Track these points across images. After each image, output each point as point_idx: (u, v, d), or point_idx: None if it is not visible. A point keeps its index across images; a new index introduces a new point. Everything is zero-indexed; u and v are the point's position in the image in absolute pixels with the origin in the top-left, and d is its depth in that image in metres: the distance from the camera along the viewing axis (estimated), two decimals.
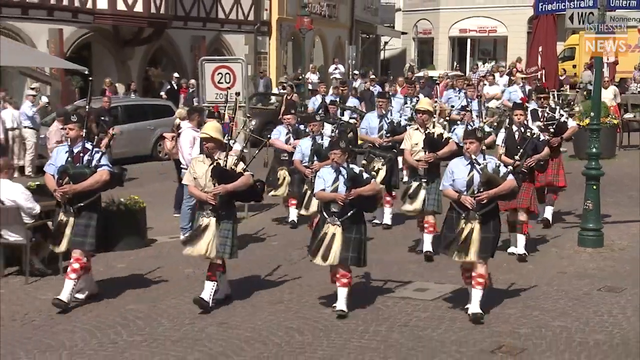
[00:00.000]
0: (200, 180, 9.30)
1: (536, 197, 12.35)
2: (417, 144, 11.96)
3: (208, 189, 9.20)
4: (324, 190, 9.14)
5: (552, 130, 13.82)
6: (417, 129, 12.17)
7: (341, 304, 9.01)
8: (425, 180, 11.83)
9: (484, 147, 9.03)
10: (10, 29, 25.82)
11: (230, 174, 9.21)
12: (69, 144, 9.66)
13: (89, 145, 9.59)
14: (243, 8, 35.18)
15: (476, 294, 8.87)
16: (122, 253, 12.26)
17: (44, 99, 23.36)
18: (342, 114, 17.01)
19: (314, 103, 22.57)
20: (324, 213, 9.24)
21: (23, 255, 11.17)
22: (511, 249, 12.03)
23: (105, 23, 29.71)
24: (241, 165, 9.39)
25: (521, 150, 11.53)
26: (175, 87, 28.31)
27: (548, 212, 14.14)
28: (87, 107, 10.59)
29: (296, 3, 37.27)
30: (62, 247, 9.62)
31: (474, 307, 8.85)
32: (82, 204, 9.39)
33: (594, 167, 12.72)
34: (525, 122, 12.27)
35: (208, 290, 9.25)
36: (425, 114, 12.09)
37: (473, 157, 8.90)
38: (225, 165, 9.24)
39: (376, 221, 13.89)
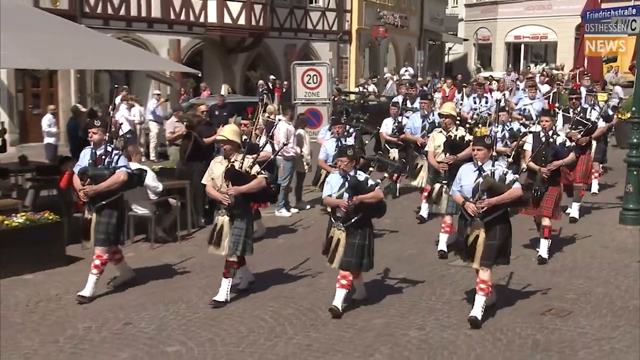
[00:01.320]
0: (217, 181, 8.68)
1: (559, 202, 10.69)
2: (439, 146, 11.01)
3: (223, 190, 8.58)
4: (330, 196, 8.31)
5: (580, 129, 12.73)
6: (441, 131, 11.22)
7: (337, 302, 8.19)
8: (446, 182, 10.67)
9: (494, 154, 8.02)
10: (139, 40, 26.51)
11: (244, 176, 8.54)
12: (93, 146, 9.00)
13: (110, 148, 9.02)
14: (328, 20, 35.35)
15: (478, 300, 7.92)
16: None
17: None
18: (402, 115, 15.54)
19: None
20: (332, 217, 8.47)
21: (149, 226, 11.67)
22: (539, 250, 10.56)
23: (214, 34, 30.12)
24: (256, 168, 8.63)
25: (542, 157, 10.31)
26: (271, 87, 28.56)
27: (574, 209, 13.03)
28: (110, 112, 10.43)
29: (373, 15, 37.21)
30: (91, 243, 9.01)
31: (474, 311, 7.89)
32: (103, 203, 8.84)
33: (635, 155, 12.67)
34: (553, 127, 10.70)
35: (224, 289, 8.63)
36: (448, 117, 11.13)
37: (479, 163, 7.98)
38: (242, 167, 8.56)
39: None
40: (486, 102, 18.33)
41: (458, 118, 12.09)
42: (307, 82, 18.37)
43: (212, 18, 29.62)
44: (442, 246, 10.74)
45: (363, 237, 8.25)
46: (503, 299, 8.74)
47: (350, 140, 11.81)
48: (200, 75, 23.04)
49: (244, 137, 10.88)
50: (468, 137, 10.98)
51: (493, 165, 7.96)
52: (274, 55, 32.98)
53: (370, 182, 8.26)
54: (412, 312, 8.37)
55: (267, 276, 9.92)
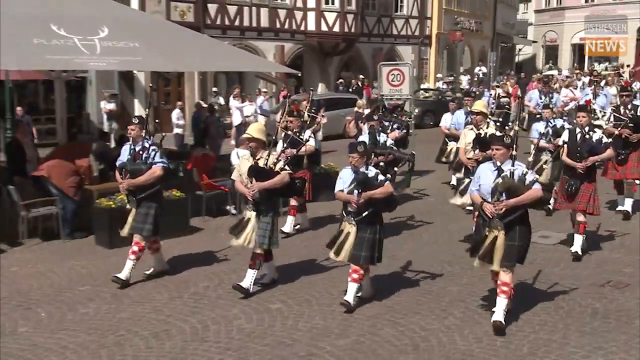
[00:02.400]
0: (244, 177, 8.13)
1: (597, 197, 9.29)
2: (470, 143, 9.99)
3: (249, 186, 7.98)
4: (342, 191, 7.50)
5: (631, 125, 11.22)
6: (472, 128, 10.14)
7: (349, 296, 7.45)
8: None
9: (514, 153, 6.90)
10: (250, 46, 27.10)
11: (266, 172, 7.88)
12: (132, 142, 8.61)
13: (147, 144, 8.54)
14: (411, 26, 35.19)
15: (500, 302, 6.92)
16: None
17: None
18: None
19: None
20: (344, 211, 7.67)
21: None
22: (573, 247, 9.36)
23: (312, 40, 30.50)
24: (280, 164, 8.00)
25: (577, 152, 9.20)
26: (360, 85, 28.68)
27: (628, 204, 11.64)
28: (146, 111, 9.92)
29: (451, 21, 36.76)
30: (125, 231, 8.58)
31: (497, 314, 6.91)
32: (142, 195, 8.41)
33: None
34: (590, 123, 9.56)
35: (248, 278, 8.00)
36: (479, 115, 10.07)
37: (498, 163, 6.91)
38: (266, 164, 7.93)
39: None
40: (551, 99, 17.09)
41: (490, 115, 10.96)
42: (392, 80, 18.40)
43: (311, 26, 30.10)
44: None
45: (373, 231, 7.47)
46: (563, 272, 8.68)
47: (384, 137, 10.84)
48: (300, 75, 23.33)
49: (289, 132, 10.78)
50: (498, 134, 9.34)
51: (513, 165, 6.85)
52: (364, 57, 33.05)
53: (381, 177, 7.44)
54: (482, 281, 8.06)
55: None
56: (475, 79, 34.81)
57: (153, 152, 8.44)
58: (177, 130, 20.04)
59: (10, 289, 8.43)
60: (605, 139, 9.35)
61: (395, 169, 8.80)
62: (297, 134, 10.74)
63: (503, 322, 6.87)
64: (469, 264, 8.13)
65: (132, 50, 11.17)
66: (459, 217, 11.42)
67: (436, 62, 36.89)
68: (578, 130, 9.40)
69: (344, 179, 7.53)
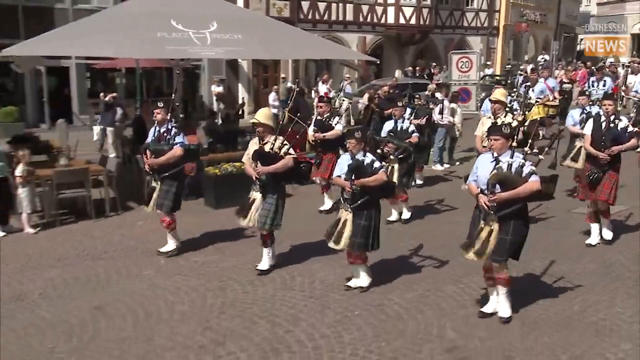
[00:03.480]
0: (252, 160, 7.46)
1: (616, 188, 8.03)
2: (486, 131, 8.51)
3: (255, 168, 7.30)
4: (339, 177, 6.67)
5: None
6: (490, 117, 8.99)
7: (362, 281, 6.91)
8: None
9: (514, 144, 5.89)
10: (337, 37, 27.06)
11: (270, 156, 7.12)
12: (157, 125, 8.07)
13: (170, 126, 8.01)
14: (480, 18, 34.18)
15: (502, 294, 6.09)
16: None
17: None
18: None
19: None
20: (341, 198, 6.83)
21: None
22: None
23: (391, 32, 30.12)
24: (285, 149, 7.18)
25: (602, 141, 7.94)
26: (432, 72, 28.25)
27: None
28: (173, 96, 9.22)
29: (517, 13, 35.61)
30: (150, 208, 8.15)
31: (503, 311, 6.12)
32: (166, 174, 7.89)
33: None
34: (616, 111, 8.26)
35: (265, 258, 7.47)
36: (497, 103, 8.90)
37: (496, 154, 5.89)
38: (272, 148, 7.17)
39: None
40: (604, 85, 15.29)
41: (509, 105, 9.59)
42: (461, 67, 18.17)
43: (391, 19, 29.78)
44: None
45: (368, 218, 6.58)
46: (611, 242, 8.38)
47: (407, 123, 9.57)
48: (379, 62, 23.20)
49: (319, 117, 10.24)
50: (515, 123, 8.42)
51: (511, 157, 5.81)
52: (437, 47, 32.43)
53: (377, 164, 6.59)
54: (533, 248, 7.49)
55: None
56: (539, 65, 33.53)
57: (175, 134, 7.95)
58: (272, 110, 20.18)
59: (137, 240, 8.90)
60: (631, 128, 8.08)
61: (392, 157, 7.60)
62: (327, 119, 10.15)
63: (509, 315, 6.09)
64: None
65: (236, 41, 11.35)
66: None
67: (503, 51, 35.82)
68: (603, 118, 8.09)
69: (341, 165, 6.69)
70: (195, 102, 24.01)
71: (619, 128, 7.93)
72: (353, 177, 6.49)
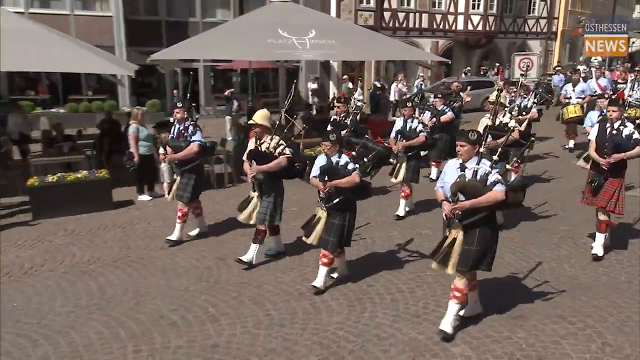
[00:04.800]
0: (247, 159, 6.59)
1: (623, 195, 6.45)
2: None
3: (250, 168, 6.38)
4: (315, 177, 5.63)
5: None
6: (489, 117, 7.66)
7: (318, 281, 5.82)
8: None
9: (482, 150, 4.72)
10: (413, 42, 26.10)
11: (264, 156, 6.22)
12: (177, 123, 7.33)
13: (188, 124, 7.28)
14: (540, 24, 32.46)
15: (451, 307, 4.92)
16: None
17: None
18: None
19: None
20: (318, 197, 5.80)
21: None
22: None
23: (460, 37, 29.06)
24: (280, 149, 6.25)
25: (605, 148, 6.35)
26: (496, 71, 27.16)
27: None
28: (188, 95, 8.02)
29: (574, 20, 33.60)
30: (169, 198, 7.61)
31: (444, 324, 4.91)
32: (185, 168, 7.22)
33: None
34: (622, 117, 6.45)
35: (251, 251, 6.53)
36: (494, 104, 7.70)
37: (461, 160, 4.74)
38: (268, 148, 6.27)
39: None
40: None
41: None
42: (522, 67, 17.35)
43: (460, 26, 28.75)
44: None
45: (342, 218, 5.66)
46: (621, 237, 7.39)
47: (416, 122, 8.33)
48: (450, 63, 22.55)
49: (335, 117, 9.32)
50: (512, 123, 7.53)
51: (478, 163, 4.65)
52: (500, 50, 31.08)
53: (350, 166, 5.59)
54: (589, 223, 7.31)
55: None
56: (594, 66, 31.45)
57: (192, 132, 7.26)
58: (357, 104, 20.13)
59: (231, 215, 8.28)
60: (636, 135, 6.32)
61: (365, 159, 6.25)
62: (343, 118, 9.29)
63: (450, 331, 4.88)
64: (578, 208, 7.66)
65: (330, 45, 11.37)
66: (574, 174, 10.50)
67: (560, 53, 33.93)
68: (608, 124, 6.47)
69: (317, 166, 5.68)
70: (295, 96, 24.29)
71: (623, 135, 6.29)
72: (326, 178, 5.55)
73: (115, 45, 20.48)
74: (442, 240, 4.93)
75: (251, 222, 6.52)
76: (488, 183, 4.59)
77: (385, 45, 13.57)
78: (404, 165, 8.25)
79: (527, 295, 5.72)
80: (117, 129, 11.79)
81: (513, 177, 9.31)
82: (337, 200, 5.59)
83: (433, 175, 10.47)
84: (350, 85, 22.40)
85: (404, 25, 27.37)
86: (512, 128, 7.25)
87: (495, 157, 4.73)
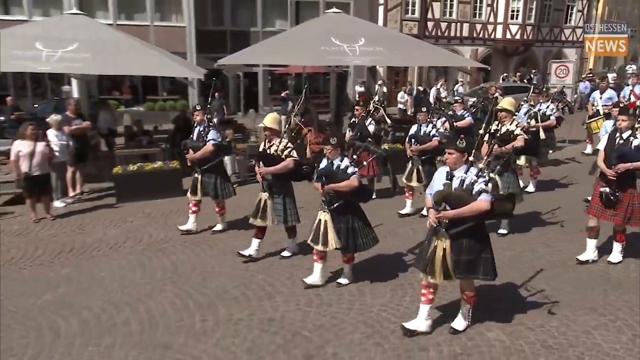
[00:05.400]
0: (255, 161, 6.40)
1: (637, 208, 5.67)
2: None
3: (258, 170, 6.05)
4: (316, 180, 5.30)
5: None
6: (498, 124, 7.02)
7: (344, 279, 5.54)
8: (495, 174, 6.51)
9: (471, 159, 4.22)
10: (454, 49, 25.15)
11: (271, 158, 5.84)
12: (197, 124, 7.05)
13: (205, 125, 6.99)
14: (576, 33, 30.93)
15: (463, 310, 4.66)
16: None
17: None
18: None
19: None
20: (321, 200, 5.30)
21: None
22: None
23: (499, 45, 28.09)
24: (287, 151, 5.84)
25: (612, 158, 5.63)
26: (532, 77, 26.19)
27: None
28: (209, 101, 7.45)
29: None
30: (198, 196, 7.10)
31: (457, 322, 4.64)
32: (205, 167, 6.92)
33: None
34: (633, 127, 5.63)
35: (254, 246, 6.20)
36: (503, 112, 6.94)
37: (449, 168, 4.28)
38: (276, 151, 5.87)
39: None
40: None
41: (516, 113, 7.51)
42: (558, 73, 16.64)
43: (499, 35, 27.80)
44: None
45: (346, 221, 5.19)
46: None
47: (430, 127, 7.77)
48: (489, 69, 21.88)
49: (354, 119, 8.70)
50: (518, 131, 6.83)
51: (466, 172, 4.18)
52: (537, 57, 29.94)
53: (350, 170, 5.08)
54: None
55: None
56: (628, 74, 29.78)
57: (208, 132, 6.95)
58: (400, 106, 19.93)
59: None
60: None
61: (364, 162, 5.74)
62: (361, 120, 8.60)
63: (460, 328, 4.61)
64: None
65: (377, 52, 11.22)
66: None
67: (595, 61, 32.36)
68: (618, 134, 5.72)
69: (319, 169, 5.30)
70: (342, 98, 24.20)
71: (633, 145, 5.53)
72: (324, 181, 5.13)
73: (187, 51, 20.97)
74: (426, 248, 4.41)
75: (269, 225, 6.03)
76: (473, 192, 4.10)
77: (428, 52, 13.29)
78: (418, 168, 7.75)
79: (559, 287, 5.52)
80: (188, 125, 12.05)
81: (529, 183, 9.11)
82: (338, 204, 5.11)
83: None
84: (384, 90, 22.16)
85: (446, 33, 26.75)
86: (517, 135, 6.74)
87: (481, 166, 4.26)
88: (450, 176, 4.25)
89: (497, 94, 13.28)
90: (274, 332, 4.66)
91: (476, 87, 23.19)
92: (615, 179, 5.60)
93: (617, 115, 5.99)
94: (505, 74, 26.76)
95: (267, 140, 6.00)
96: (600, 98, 12.07)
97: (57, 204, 8.76)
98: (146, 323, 4.88)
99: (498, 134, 6.76)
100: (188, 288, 5.57)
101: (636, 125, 5.57)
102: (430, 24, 26.26)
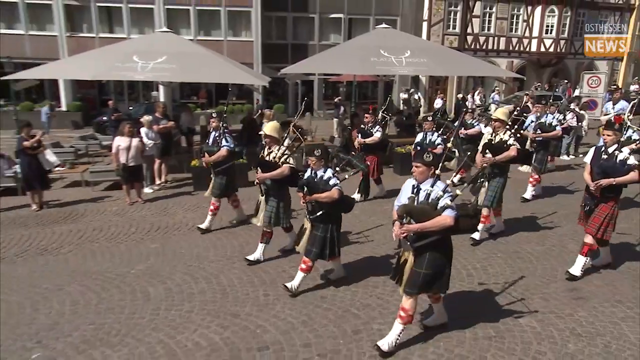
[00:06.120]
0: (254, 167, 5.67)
1: (612, 223, 5.04)
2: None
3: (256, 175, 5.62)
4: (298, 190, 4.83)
5: None
6: (491, 133, 6.21)
7: (294, 282, 4.90)
8: (482, 179, 6.16)
9: (437, 172, 3.75)
10: (492, 61, 24.50)
11: (269, 165, 5.41)
12: (213, 130, 6.82)
13: (221, 132, 6.73)
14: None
15: (395, 327, 3.96)
16: None
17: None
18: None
19: None
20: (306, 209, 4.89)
21: None
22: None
23: (533, 57, 26.77)
24: (284, 159, 5.36)
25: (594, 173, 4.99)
26: (565, 88, 24.82)
27: None
28: (225, 108, 7.31)
29: None
30: (207, 193, 6.87)
31: (383, 340, 3.95)
32: (218, 169, 6.69)
33: None
34: (618, 142, 4.98)
35: (258, 251, 5.73)
36: (497, 121, 6.14)
37: (415, 182, 3.78)
38: (274, 158, 5.42)
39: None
40: None
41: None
42: (591, 84, 15.67)
43: (534, 48, 26.49)
44: (477, 235, 6.23)
45: (324, 230, 4.72)
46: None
47: (435, 136, 7.36)
48: (525, 79, 20.97)
49: (362, 126, 8.19)
50: (511, 141, 6.00)
51: (432, 186, 3.69)
52: (569, 69, 28.35)
53: (332, 181, 4.58)
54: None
55: None
56: None
57: (222, 138, 6.70)
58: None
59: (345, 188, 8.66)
60: (631, 161, 4.85)
61: (346, 176, 5.16)
62: (370, 128, 8.16)
63: (386, 349, 3.90)
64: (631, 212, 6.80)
65: (421, 63, 10.98)
66: None
67: (625, 72, 30.28)
68: (604, 148, 5.05)
69: (302, 179, 4.85)
70: (389, 104, 23.90)
71: (618, 160, 4.88)
72: (305, 192, 4.68)
73: (254, 62, 21.35)
74: (398, 259, 3.98)
75: (258, 224, 5.74)
76: (438, 207, 3.61)
77: (467, 63, 12.90)
78: None
79: (588, 280, 5.22)
80: (253, 125, 12.28)
81: (530, 188, 8.34)
82: (320, 213, 4.67)
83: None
84: (417, 96, 21.65)
85: (484, 47, 25.78)
86: (510, 145, 5.99)
87: (448, 182, 3.74)
88: (417, 189, 3.76)
89: (529, 103, 12.67)
90: (326, 308, 4.67)
91: (510, 96, 22.27)
92: (597, 193, 4.95)
93: (602, 130, 5.39)
94: (538, 84, 25.52)
95: (266, 148, 5.60)
96: (613, 108, 11.22)
97: (147, 190, 9.15)
98: (218, 294, 5.02)
99: (492, 143, 6.09)
100: (253, 266, 5.67)
101: (621, 140, 5.05)
102: (469, 38, 25.42)
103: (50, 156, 8.40)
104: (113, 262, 5.85)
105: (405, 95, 21.70)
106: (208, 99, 22.61)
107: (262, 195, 5.66)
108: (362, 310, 4.63)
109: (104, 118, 16.03)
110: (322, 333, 4.25)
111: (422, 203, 3.69)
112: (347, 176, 5.14)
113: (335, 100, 17.49)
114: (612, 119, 6.63)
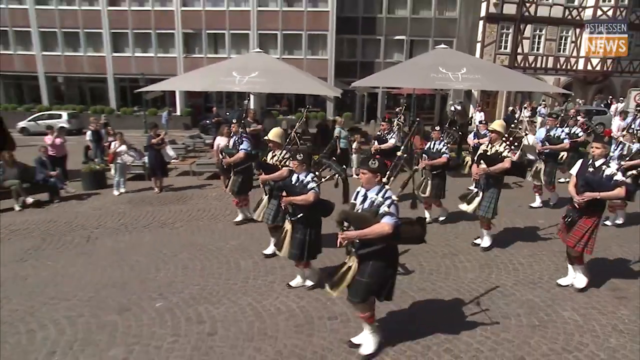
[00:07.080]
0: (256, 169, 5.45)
1: (594, 237, 4.21)
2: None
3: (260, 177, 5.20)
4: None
5: None
6: (487, 144, 5.41)
7: (294, 282, 4.55)
8: (482, 189, 5.36)
9: (384, 180, 3.17)
10: (539, 77, 22.47)
11: (269, 167, 4.98)
12: (233, 135, 6.50)
13: (240, 136, 6.33)
14: None
15: (365, 331, 3.50)
16: None
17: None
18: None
19: None
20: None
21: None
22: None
23: (580, 75, 24.22)
24: (284, 162, 4.93)
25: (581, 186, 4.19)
26: (609, 103, 22.24)
27: None
28: (243, 116, 6.72)
29: None
30: (228, 190, 6.54)
31: (363, 348, 3.45)
32: (236, 169, 6.29)
33: None
34: (606, 155, 4.21)
35: (271, 246, 5.31)
36: (494, 133, 5.34)
37: (363, 189, 3.24)
38: (276, 161, 5.00)
39: None
40: None
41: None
42: (638, 100, 13.97)
43: (581, 67, 23.86)
44: (480, 241, 5.67)
45: (303, 233, 4.18)
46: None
47: (442, 144, 6.37)
48: (572, 94, 19.10)
49: (378, 133, 7.59)
50: (505, 153, 5.20)
51: (377, 193, 3.14)
52: (614, 86, 25.32)
53: (310, 185, 4.05)
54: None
55: None
56: None
57: (240, 141, 6.31)
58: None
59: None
60: (618, 176, 4.06)
61: (323, 179, 4.21)
62: (385, 135, 7.60)
63: (365, 353, 3.41)
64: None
65: (476, 79, 10.42)
66: None
67: None
68: (590, 162, 4.26)
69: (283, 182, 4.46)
70: (443, 114, 23.00)
71: (604, 174, 4.11)
72: (284, 194, 4.20)
73: (328, 76, 21.46)
74: (341, 265, 3.39)
75: (259, 220, 5.32)
76: (377, 215, 3.07)
77: (518, 79, 12.02)
78: (429, 182, 6.42)
79: (631, 282, 4.69)
80: (327, 130, 12.39)
81: (537, 199, 7.29)
82: (299, 215, 4.16)
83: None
84: (454, 107, 20.41)
85: (533, 65, 23.81)
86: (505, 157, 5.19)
87: (387, 187, 3.18)
88: (364, 196, 3.23)
89: (578, 116, 11.55)
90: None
91: (556, 108, 20.41)
92: (580, 205, 4.19)
93: (629, 140, 4.61)
94: (582, 100, 23.18)
95: (270, 151, 5.17)
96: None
97: None
98: (242, 274, 4.87)
99: (487, 154, 5.33)
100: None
101: (610, 154, 4.28)
102: (519, 57, 23.63)
103: (170, 151, 8.83)
104: (213, 237, 6.02)
105: (458, 107, 20.70)
106: (288, 106, 23.16)
107: (266, 195, 5.27)
108: (418, 293, 4.49)
109: (207, 121, 16.95)
110: (382, 310, 4.20)
111: (365, 210, 3.15)
112: (324, 179, 4.23)
113: (397, 110, 17.11)
114: (602, 131, 5.62)
